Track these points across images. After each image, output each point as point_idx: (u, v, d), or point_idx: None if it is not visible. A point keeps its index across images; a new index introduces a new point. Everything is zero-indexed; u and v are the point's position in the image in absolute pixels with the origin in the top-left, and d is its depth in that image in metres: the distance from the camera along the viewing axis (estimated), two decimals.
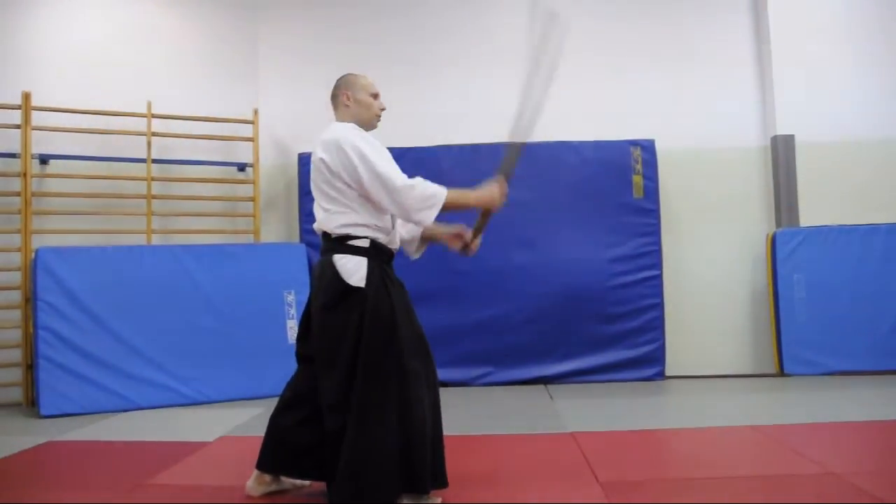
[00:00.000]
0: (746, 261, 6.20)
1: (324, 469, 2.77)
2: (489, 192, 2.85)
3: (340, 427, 2.66)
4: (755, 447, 3.71)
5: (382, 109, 2.99)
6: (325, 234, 2.84)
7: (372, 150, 2.73)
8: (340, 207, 2.76)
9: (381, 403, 2.65)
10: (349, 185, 2.73)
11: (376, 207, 2.76)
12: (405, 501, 2.68)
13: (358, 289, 2.71)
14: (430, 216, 2.73)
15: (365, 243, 2.76)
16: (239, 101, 6.14)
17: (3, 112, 5.39)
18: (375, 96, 2.96)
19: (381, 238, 2.81)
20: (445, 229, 3.04)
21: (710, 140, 6.24)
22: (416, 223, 2.82)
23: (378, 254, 2.79)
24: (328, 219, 2.79)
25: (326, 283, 2.76)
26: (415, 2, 6.45)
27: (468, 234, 3.02)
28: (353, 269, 2.72)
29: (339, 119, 2.94)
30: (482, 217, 2.95)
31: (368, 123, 2.94)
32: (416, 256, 3.14)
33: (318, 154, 2.78)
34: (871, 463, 3.36)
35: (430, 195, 2.72)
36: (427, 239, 3.09)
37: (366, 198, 2.73)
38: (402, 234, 3.02)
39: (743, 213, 6.21)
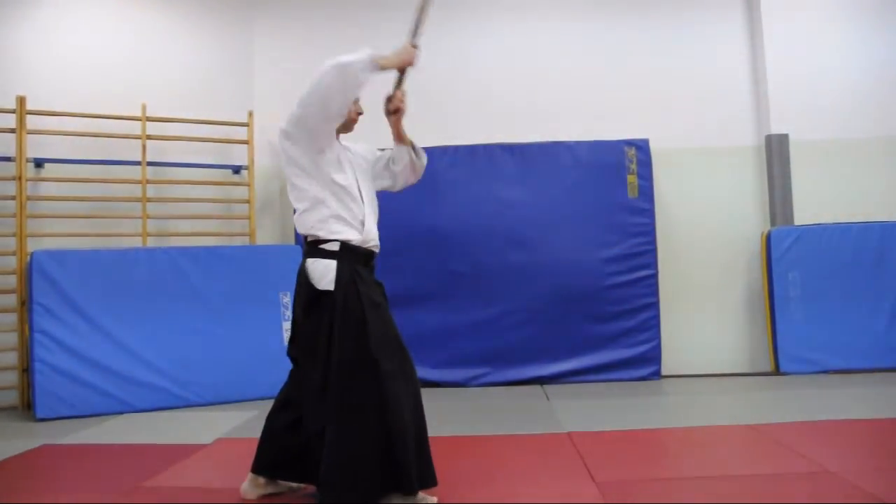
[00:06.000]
0: (741, 259, 6.22)
1: (317, 471, 2.76)
2: (404, 52, 2.93)
3: (321, 430, 2.67)
4: (751, 446, 3.72)
5: (360, 113, 2.97)
6: (304, 239, 2.87)
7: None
8: (307, 202, 2.79)
9: (356, 405, 2.66)
10: (304, 151, 2.77)
11: (325, 156, 2.78)
12: (394, 502, 2.68)
13: (328, 292, 2.73)
14: (358, 75, 2.69)
15: (335, 246, 2.77)
16: (233, 103, 6.13)
17: None
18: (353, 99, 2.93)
19: (354, 238, 2.81)
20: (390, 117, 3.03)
21: (704, 139, 6.26)
22: (354, 86, 2.73)
23: (350, 256, 2.79)
24: (301, 220, 2.84)
25: (301, 287, 2.81)
26: (412, 5, 6.39)
27: (391, 95, 3.00)
28: (323, 273, 2.75)
29: None
30: (400, 75, 3.01)
31: (344, 125, 2.93)
32: (422, 162, 3.11)
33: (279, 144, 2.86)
34: (868, 461, 3.36)
35: (342, 62, 2.67)
36: (400, 142, 3.06)
37: (314, 134, 2.76)
38: (401, 168, 3.04)
39: (737, 212, 6.23)
